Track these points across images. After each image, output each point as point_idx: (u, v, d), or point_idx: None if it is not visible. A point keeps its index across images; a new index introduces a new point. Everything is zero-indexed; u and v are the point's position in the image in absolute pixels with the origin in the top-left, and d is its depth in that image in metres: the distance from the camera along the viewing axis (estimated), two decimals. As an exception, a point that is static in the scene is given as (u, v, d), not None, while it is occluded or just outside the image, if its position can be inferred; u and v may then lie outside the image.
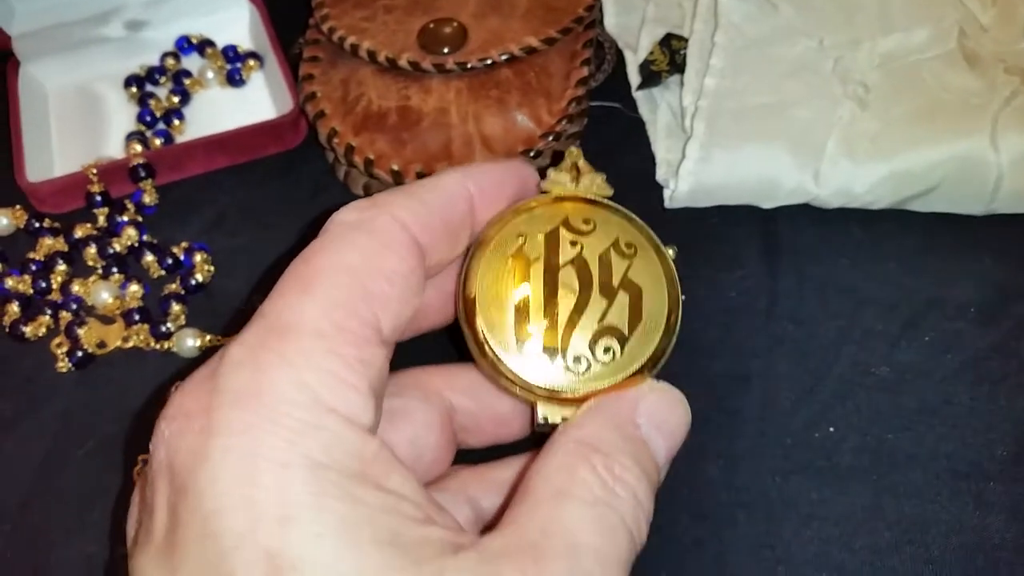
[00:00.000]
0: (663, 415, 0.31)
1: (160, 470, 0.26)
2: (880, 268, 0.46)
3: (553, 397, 0.32)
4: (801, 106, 0.47)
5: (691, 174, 0.47)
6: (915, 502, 0.40)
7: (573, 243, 0.33)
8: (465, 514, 0.34)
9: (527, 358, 0.32)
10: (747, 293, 0.46)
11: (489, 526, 0.28)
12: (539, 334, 0.32)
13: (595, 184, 0.35)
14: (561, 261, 0.33)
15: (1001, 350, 0.44)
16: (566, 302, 0.32)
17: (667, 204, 0.48)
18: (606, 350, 0.32)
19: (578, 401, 0.32)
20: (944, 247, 0.47)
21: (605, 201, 0.35)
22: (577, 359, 0.32)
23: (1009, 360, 0.43)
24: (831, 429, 0.42)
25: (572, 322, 0.32)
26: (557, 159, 0.37)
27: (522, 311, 0.32)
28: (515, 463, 0.35)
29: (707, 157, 0.47)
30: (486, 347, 0.32)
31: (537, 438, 0.33)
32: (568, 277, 0.33)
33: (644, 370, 0.32)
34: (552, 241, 0.33)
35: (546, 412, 0.32)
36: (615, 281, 0.33)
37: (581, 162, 0.35)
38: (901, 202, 0.47)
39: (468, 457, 0.37)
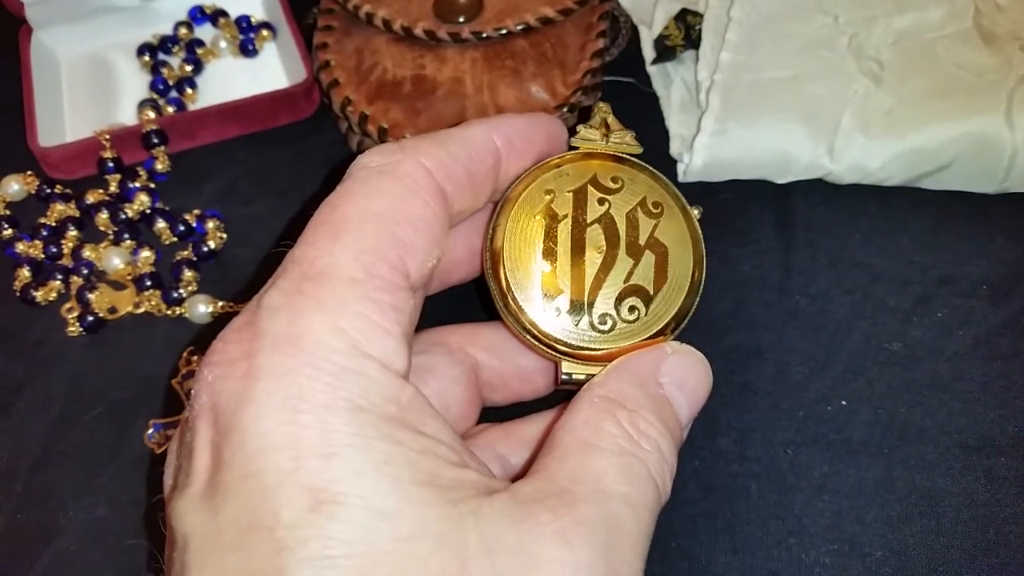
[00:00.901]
0: (685, 375, 0.32)
1: (203, 413, 0.26)
2: (893, 244, 0.46)
3: (577, 354, 0.32)
4: (816, 81, 0.47)
5: (706, 148, 0.47)
6: (926, 476, 0.40)
7: (601, 201, 0.33)
8: (495, 470, 0.34)
9: (552, 315, 0.32)
10: (760, 267, 0.46)
11: (516, 479, 0.28)
12: (565, 292, 0.32)
13: (624, 141, 0.35)
14: (589, 219, 0.33)
15: (1013, 327, 0.44)
16: (593, 260, 0.33)
17: (681, 178, 0.48)
18: (631, 309, 0.32)
19: (602, 359, 0.32)
20: (957, 225, 0.47)
21: (633, 159, 0.35)
22: (603, 318, 0.32)
23: (1021, 337, 0.43)
24: (843, 403, 0.42)
25: (598, 281, 0.32)
26: (584, 115, 0.37)
27: (549, 268, 0.33)
28: (541, 419, 0.35)
29: (722, 131, 0.47)
30: (511, 303, 0.32)
31: (562, 395, 0.34)
32: (595, 235, 0.33)
33: (668, 329, 0.33)
34: (580, 198, 0.33)
35: (570, 369, 0.33)
36: (642, 240, 0.33)
37: (611, 118, 0.36)
38: (915, 179, 0.47)
39: (494, 416, 0.37)
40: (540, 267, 0.33)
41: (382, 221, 0.28)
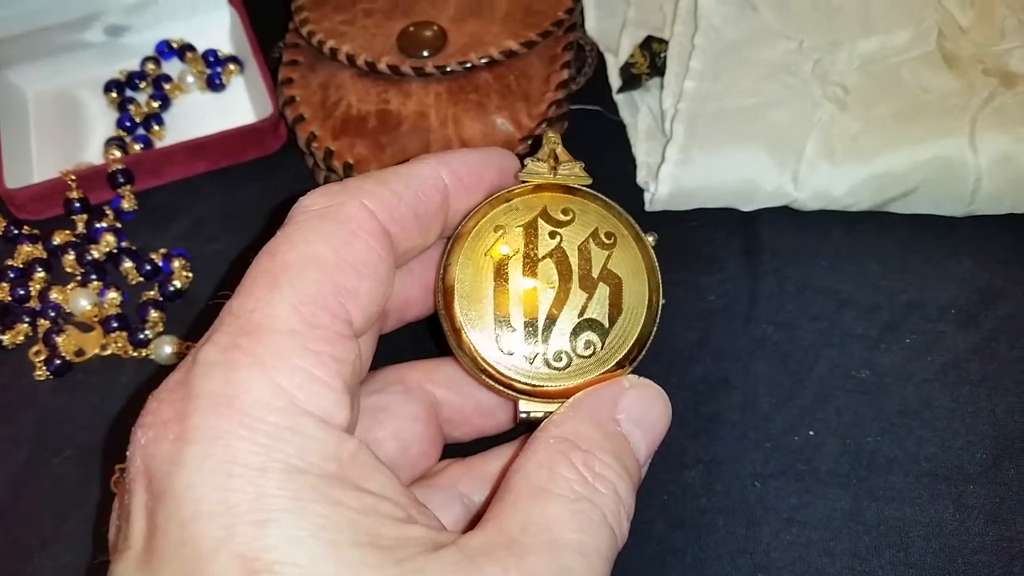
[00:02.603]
0: (643, 411, 0.31)
1: (137, 477, 0.26)
2: (860, 270, 0.46)
3: (534, 392, 0.32)
4: (780, 108, 0.47)
5: (671, 177, 0.47)
6: (895, 506, 0.40)
7: (552, 234, 0.33)
8: (456, 511, 0.34)
9: (506, 354, 0.32)
10: (727, 296, 0.46)
11: (473, 523, 0.28)
12: (518, 330, 0.32)
13: (573, 172, 0.35)
14: (540, 253, 0.33)
15: (981, 352, 0.44)
16: (545, 296, 0.32)
17: (647, 207, 0.48)
18: (587, 344, 0.32)
19: (560, 395, 0.32)
20: (924, 249, 0.47)
21: (584, 189, 0.35)
22: (557, 355, 0.32)
23: (990, 362, 0.43)
24: (811, 433, 0.42)
25: (551, 317, 0.32)
26: (536, 146, 0.36)
27: (501, 306, 0.32)
28: (503, 454, 0.35)
29: (686, 160, 0.47)
30: (465, 342, 0.32)
31: (517, 430, 0.33)
32: (547, 270, 0.33)
33: (626, 362, 0.32)
34: (530, 233, 0.33)
35: (527, 407, 0.33)
36: (595, 272, 0.33)
37: (559, 149, 0.35)
38: (881, 204, 0.47)
39: (458, 452, 0.37)
40: (492, 306, 0.32)
41: (323, 268, 0.28)
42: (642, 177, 0.49)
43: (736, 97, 0.48)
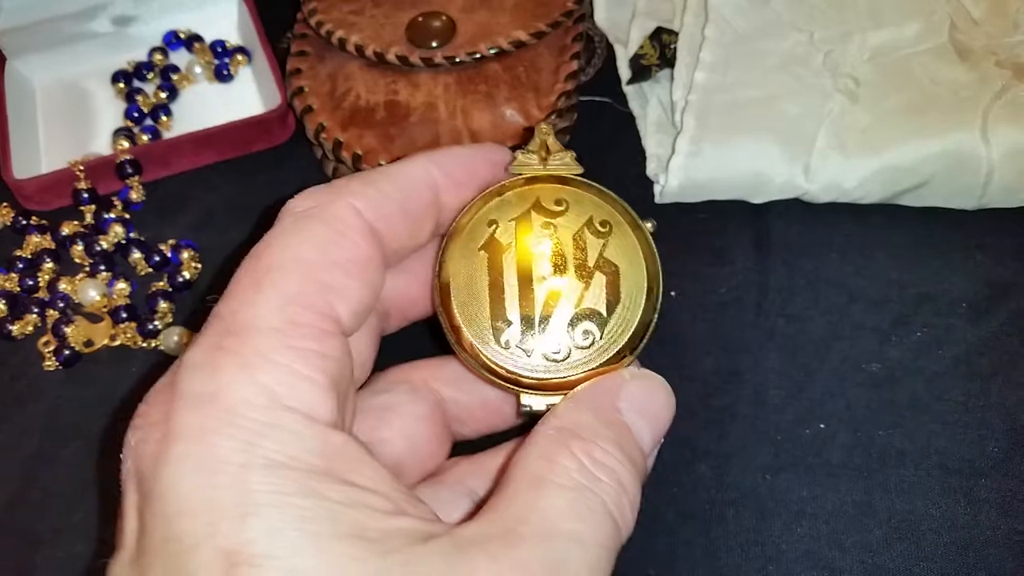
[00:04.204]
0: (645, 400, 0.31)
1: (129, 478, 0.26)
2: (871, 263, 0.46)
3: (534, 385, 0.32)
4: (791, 100, 0.47)
5: (681, 169, 0.46)
6: (906, 499, 0.40)
7: (546, 225, 0.33)
8: (465, 507, 0.34)
9: (505, 349, 0.32)
10: (737, 288, 0.46)
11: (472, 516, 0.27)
12: (515, 323, 0.32)
13: (564, 163, 0.34)
14: (534, 246, 0.33)
15: (992, 346, 0.43)
16: (541, 288, 0.32)
17: (657, 199, 0.48)
18: (585, 334, 0.32)
19: (560, 387, 0.32)
20: (936, 242, 0.47)
21: (578, 178, 0.34)
22: (556, 347, 0.32)
23: (1001, 356, 0.43)
24: (822, 426, 0.42)
25: (548, 308, 0.32)
26: (527, 137, 0.36)
27: (497, 301, 0.32)
28: (509, 450, 0.35)
29: (697, 152, 0.46)
30: (463, 339, 0.32)
31: (525, 426, 0.33)
32: (542, 262, 0.32)
33: (627, 350, 0.32)
34: (524, 226, 0.33)
35: (529, 401, 0.32)
36: (591, 261, 0.32)
37: (550, 140, 0.35)
38: (892, 197, 0.47)
39: (467, 449, 0.36)
40: (488, 301, 0.32)
41: (308, 268, 0.28)
42: (652, 169, 0.49)
43: (747, 89, 0.48)
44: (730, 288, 0.46)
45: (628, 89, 0.52)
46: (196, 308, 0.48)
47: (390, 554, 0.24)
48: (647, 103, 0.51)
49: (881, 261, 0.46)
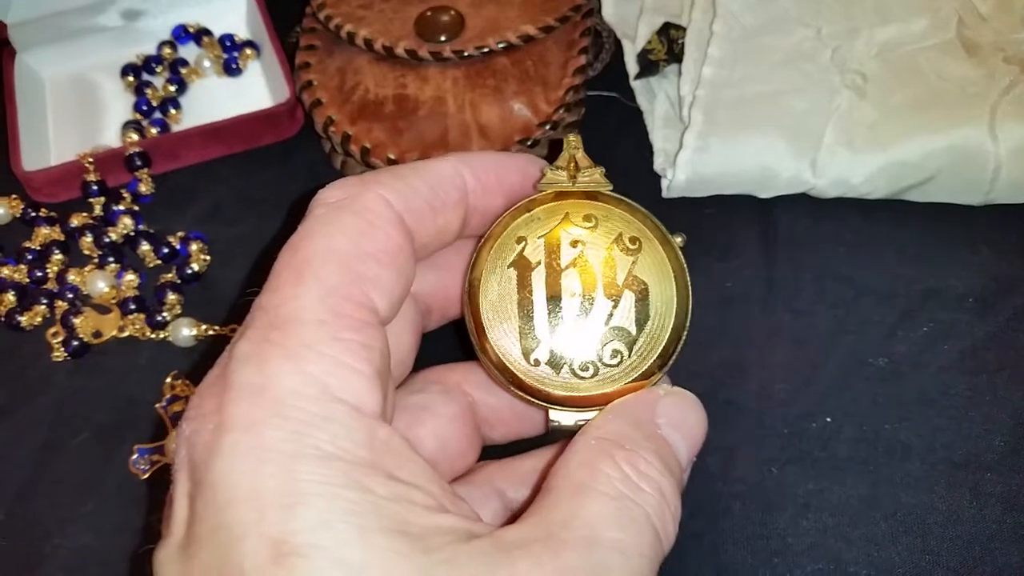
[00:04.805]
0: (680, 416, 0.31)
1: (182, 467, 0.26)
2: (878, 258, 0.46)
3: (561, 401, 0.32)
4: (799, 95, 0.47)
5: (688, 164, 0.47)
6: (912, 493, 0.40)
7: (574, 243, 0.33)
8: (493, 507, 0.34)
9: (534, 366, 0.32)
10: (744, 283, 0.46)
11: (512, 520, 0.28)
12: (544, 342, 0.32)
13: (593, 179, 0.34)
14: (563, 264, 0.32)
15: (999, 340, 0.44)
16: (570, 307, 0.32)
17: (664, 194, 0.48)
18: (614, 353, 0.32)
19: (587, 404, 0.32)
20: (942, 237, 0.47)
21: (609, 193, 0.34)
22: (584, 365, 0.32)
23: (1007, 350, 0.43)
24: (828, 419, 0.42)
25: (577, 327, 0.32)
26: (554, 149, 0.36)
27: (525, 319, 0.32)
28: (539, 455, 0.35)
29: (704, 147, 0.46)
30: (492, 356, 0.32)
31: (552, 438, 0.33)
32: (570, 280, 0.32)
33: (655, 368, 0.32)
34: (552, 243, 0.33)
35: (557, 416, 0.32)
36: (620, 280, 0.32)
37: (579, 154, 0.34)
38: (898, 192, 0.47)
39: (495, 454, 0.36)
40: (517, 318, 0.32)
41: (344, 259, 0.28)
42: (659, 164, 0.49)
43: (754, 84, 0.48)
44: (737, 283, 0.46)
45: (636, 84, 0.52)
46: (237, 302, 0.48)
47: (433, 551, 0.24)
48: (654, 98, 0.51)
49: (887, 256, 0.46)
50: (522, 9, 0.49)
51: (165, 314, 0.47)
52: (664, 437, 0.30)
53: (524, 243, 0.33)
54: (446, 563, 0.24)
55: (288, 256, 0.29)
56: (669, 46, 0.51)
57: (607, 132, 0.51)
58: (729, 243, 0.47)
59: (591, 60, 0.51)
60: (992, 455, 0.41)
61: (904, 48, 0.48)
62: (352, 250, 0.28)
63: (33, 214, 0.50)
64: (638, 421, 0.30)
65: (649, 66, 0.51)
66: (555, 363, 0.32)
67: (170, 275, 0.48)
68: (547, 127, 0.47)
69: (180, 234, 0.49)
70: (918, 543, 0.39)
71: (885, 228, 0.47)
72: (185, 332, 0.46)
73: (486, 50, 0.48)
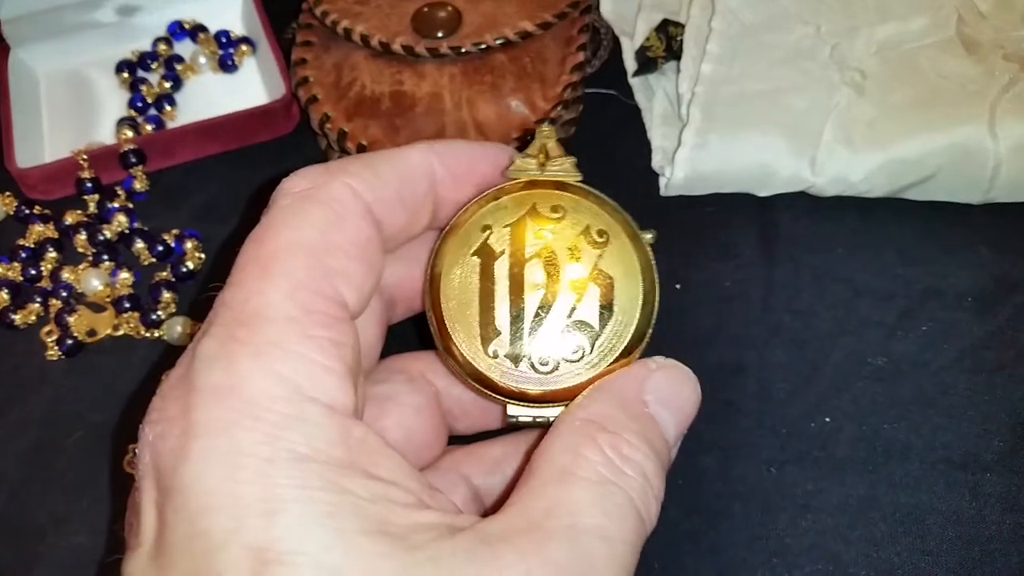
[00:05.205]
0: (671, 391, 0.30)
1: (146, 474, 0.25)
2: (877, 258, 0.46)
3: (518, 396, 0.31)
4: (798, 93, 0.47)
5: (687, 161, 0.46)
6: (911, 493, 0.40)
7: (540, 233, 0.32)
8: (461, 493, 0.33)
9: (492, 358, 0.31)
10: (743, 282, 0.46)
11: (492, 510, 0.27)
12: (503, 333, 0.31)
13: (563, 169, 0.33)
14: (527, 254, 0.31)
15: (998, 340, 0.43)
16: (532, 298, 0.31)
17: (663, 192, 0.48)
18: (575, 349, 0.31)
19: (545, 400, 0.31)
20: (941, 236, 0.47)
21: (578, 185, 0.33)
22: (544, 359, 0.31)
23: (1006, 350, 0.43)
24: (827, 420, 0.42)
25: (538, 319, 0.31)
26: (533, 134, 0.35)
27: (487, 309, 0.31)
28: (506, 441, 0.34)
29: (703, 144, 0.46)
30: (451, 346, 0.31)
31: (512, 431, 0.33)
32: (534, 271, 0.31)
33: (617, 365, 0.31)
34: (518, 232, 0.32)
35: (515, 411, 0.32)
36: (585, 272, 0.31)
37: (551, 144, 0.34)
38: (898, 190, 0.46)
39: (462, 443, 0.36)
40: (478, 308, 0.31)
41: (312, 252, 0.27)
42: (657, 162, 0.49)
43: (753, 82, 0.48)
44: (735, 282, 0.46)
45: (634, 81, 0.52)
46: (199, 298, 0.47)
47: (416, 550, 0.24)
48: (653, 95, 0.51)
49: (887, 255, 0.46)
50: (520, 5, 0.49)
51: (160, 312, 0.46)
52: (651, 415, 0.30)
53: (489, 231, 0.32)
54: (430, 561, 0.24)
55: (253, 249, 0.27)
56: (668, 43, 0.50)
57: (605, 129, 0.51)
58: (728, 242, 0.47)
59: (589, 57, 0.51)
60: (991, 455, 0.40)
61: (904, 46, 0.48)
62: (320, 242, 0.27)
63: (27, 211, 0.50)
64: (624, 400, 0.30)
65: (647, 63, 0.51)
66: (514, 356, 0.31)
67: (165, 273, 0.48)
68: (545, 124, 0.47)
69: (175, 232, 0.49)
70: (917, 543, 0.39)
71: (884, 227, 0.47)
72: (179, 331, 0.45)
73: (483, 47, 0.47)
